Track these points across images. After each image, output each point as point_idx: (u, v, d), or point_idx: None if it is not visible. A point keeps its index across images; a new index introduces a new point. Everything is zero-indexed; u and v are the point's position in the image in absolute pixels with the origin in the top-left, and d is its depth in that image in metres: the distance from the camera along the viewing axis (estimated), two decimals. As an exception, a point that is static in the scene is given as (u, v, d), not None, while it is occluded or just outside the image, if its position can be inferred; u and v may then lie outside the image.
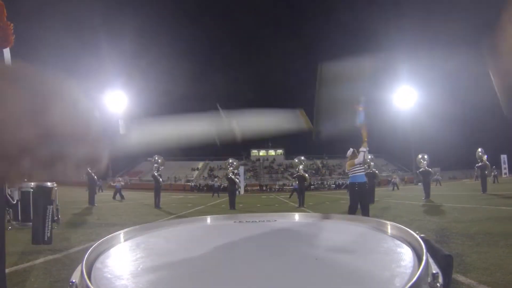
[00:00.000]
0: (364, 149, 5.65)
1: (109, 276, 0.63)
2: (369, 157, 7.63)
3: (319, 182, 43.02)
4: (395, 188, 25.06)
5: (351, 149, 6.11)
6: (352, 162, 5.80)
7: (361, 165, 5.78)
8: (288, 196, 17.87)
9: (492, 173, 23.92)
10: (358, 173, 5.76)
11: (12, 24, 1.10)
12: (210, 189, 26.99)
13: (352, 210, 5.74)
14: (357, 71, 1.16)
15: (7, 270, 2.57)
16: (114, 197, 17.04)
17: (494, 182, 22.31)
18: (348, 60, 1.13)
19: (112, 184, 18.10)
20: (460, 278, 2.63)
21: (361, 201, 5.71)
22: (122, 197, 17.08)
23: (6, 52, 1.16)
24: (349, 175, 5.92)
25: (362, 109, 2.01)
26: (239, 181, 17.21)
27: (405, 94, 46.98)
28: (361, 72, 1.16)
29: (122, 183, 20.49)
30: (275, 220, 1.22)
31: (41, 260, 3.45)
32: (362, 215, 5.00)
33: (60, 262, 3.40)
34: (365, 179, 5.86)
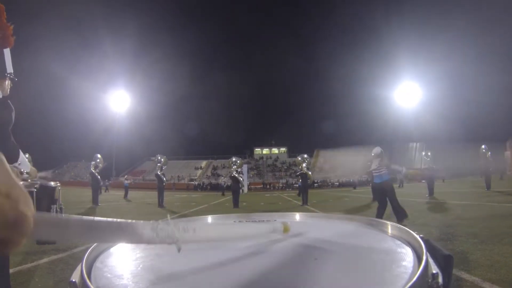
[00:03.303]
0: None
1: (109, 275, 0.63)
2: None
3: (322, 180, 42.88)
4: (401, 185, 24.98)
5: (380, 149, 5.92)
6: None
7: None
8: (297, 194, 18.00)
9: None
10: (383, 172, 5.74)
11: (12, 26, 1.10)
12: (216, 188, 27.37)
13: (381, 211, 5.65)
14: None
15: (11, 270, 2.60)
16: (125, 197, 17.99)
17: (501, 178, 22.10)
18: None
19: (126, 181, 19.24)
20: (465, 275, 2.61)
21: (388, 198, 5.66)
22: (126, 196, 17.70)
23: (7, 52, 1.16)
24: (374, 175, 5.84)
25: None
26: (243, 180, 17.27)
27: (408, 92, 46.80)
28: None
29: (129, 181, 21.30)
30: (275, 220, 1.22)
31: (45, 260, 3.47)
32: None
33: (64, 262, 3.42)
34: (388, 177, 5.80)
